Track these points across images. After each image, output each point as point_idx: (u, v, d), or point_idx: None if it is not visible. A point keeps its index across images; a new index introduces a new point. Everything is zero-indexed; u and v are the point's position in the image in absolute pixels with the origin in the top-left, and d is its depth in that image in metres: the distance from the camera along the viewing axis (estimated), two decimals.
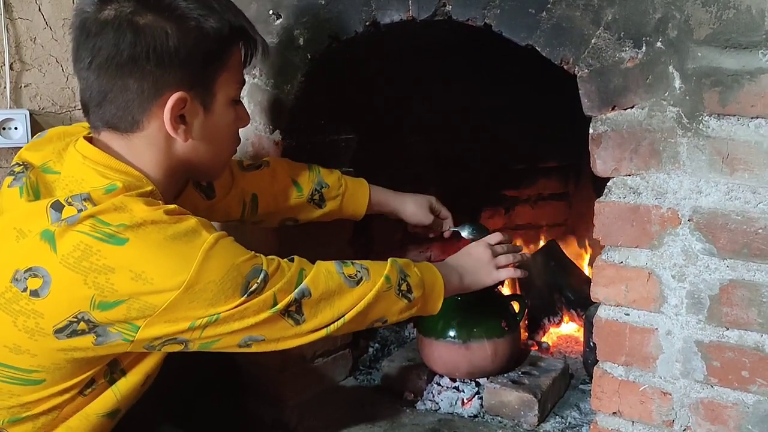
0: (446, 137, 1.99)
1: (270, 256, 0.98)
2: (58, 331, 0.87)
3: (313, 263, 1.03)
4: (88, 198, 0.89)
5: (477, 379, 1.48)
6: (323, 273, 1.00)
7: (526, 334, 1.74)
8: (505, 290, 1.80)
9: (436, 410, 1.45)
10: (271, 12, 1.38)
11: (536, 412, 1.36)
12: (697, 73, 0.93)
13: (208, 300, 0.89)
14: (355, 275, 1.03)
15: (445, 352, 1.46)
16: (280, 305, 0.94)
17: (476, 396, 1.45)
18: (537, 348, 1.71)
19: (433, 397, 1.47)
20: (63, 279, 0.85)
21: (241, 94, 1.08)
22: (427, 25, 1.19)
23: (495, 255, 1.24)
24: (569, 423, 1.39)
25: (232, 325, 0.92)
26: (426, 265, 1.15)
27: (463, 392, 1.46)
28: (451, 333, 1.45)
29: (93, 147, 0.95)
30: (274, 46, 1.38)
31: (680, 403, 1.00)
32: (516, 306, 1.53)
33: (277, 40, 1.38)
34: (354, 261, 1.06)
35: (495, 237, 1.28)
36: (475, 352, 1.44)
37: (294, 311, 0.96)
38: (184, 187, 1.16)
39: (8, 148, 1.48)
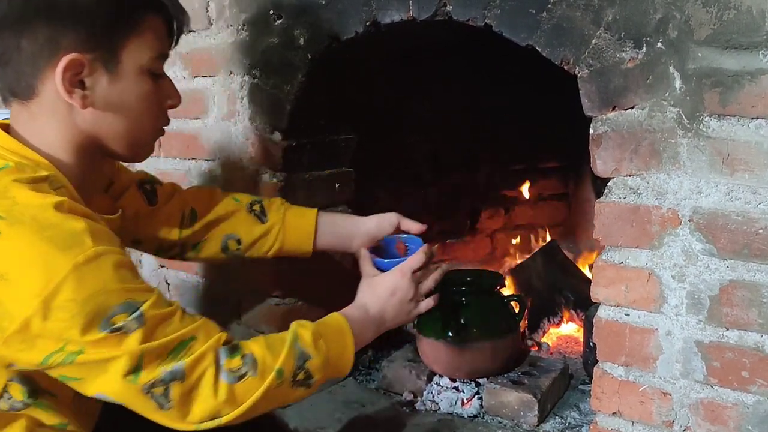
0: (446, 137, 1.99)
1: (172, 302, 0.86)
2: None
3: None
4: None
5: (477, 380, 1.47)
6: (207, 358, 0.84)
7: (526, 334, 1.74)
8: (506, 290, 1.80)
9: (435, 410, 1.45)
10: (271, 12, 1.38)
11: (536, 412, 1.36)
12: (698, 74, 0.93)
13: (63, 322, 0.76)
14: (238, 370, 0.86)
15: (445, 352, 1.46)
16: (143, 373, 0.80)
17: (476, 396, 1.45)
18: (537, 348, 1.71)
19: (433, 397, 1.47)
20: None
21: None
22: (427, 25, 1.19)
23: (418, 284, 1.11)
24: (569, 423, 1.39)
25: (86, 374, 0.80)
26: (337, 328, 0.99)
27: (463, 392, 1.46)
28: (451, 333, 1.45)
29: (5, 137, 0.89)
30: (274, 46, 1.38)
31: (680, 403, 1.00)
32: (516, 306, 1.52)
33: (277, 40, 1.38)
34: (249, 347, 0.89)
35: (418, 259, 1.11)
36: (474, 353, 1.44)
37: (159, 394, 0.81)
38: (116, 178, 1.08)
39: None
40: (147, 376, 0.80)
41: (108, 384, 0.80)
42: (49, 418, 0.89)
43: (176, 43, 1.00)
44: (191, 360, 0.82)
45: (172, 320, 0.83)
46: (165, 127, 1.02)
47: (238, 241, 1.23)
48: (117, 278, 0.80)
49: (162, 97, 0.97)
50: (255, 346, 0.89)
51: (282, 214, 1.24)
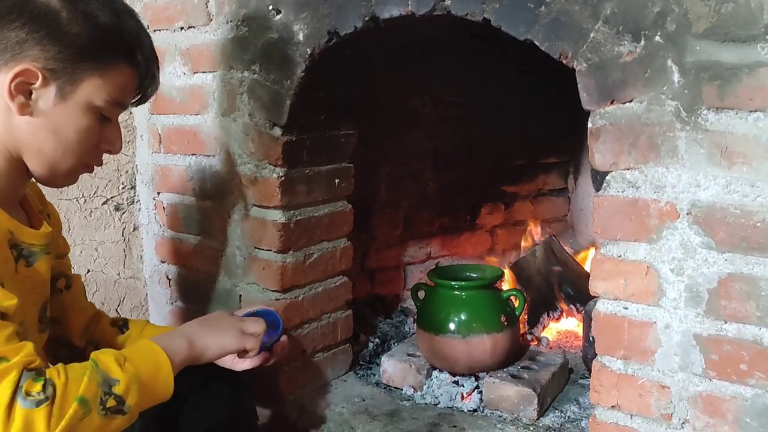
0: (446, 133, 1.99)
1: (10, 324, 0.84)
2: None
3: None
4: None
5: (476, 374, 1.48)
6: (9, 377, 0.79)
7: (526, 329, 1.74)
8: (505, 285, 1.80)
9: (435, 404, 1.45)
10: (270, 7, 1.38)
11: (535, 406, 1.37)
12: (696, 67, 0.93)
13: None
14: (37, 395, 0.79)
15: (445, 346, 1.46)
16: None
17: (476, 390, 1.45)
18: (536, 343, 1.72)
19: (433, 391, 1.48)
20: None
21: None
22: (426, 20, 1.19)
23: (240, 325, 1.11)
24: (568, 417, 1.39)
25: None
26: (145, 347, 0.97)
27: (463, 387, 1.46)
28: (451, 328, 1.45)
29: None
30: (274, 41, 1.38)
31: (679, 396, 1.00)
32: (515, 301, 1.53)
33: (277, 35, 1.38)
34: (52, 374, 0.83)
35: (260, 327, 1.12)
36: (474, 347, 1.44)
37: None
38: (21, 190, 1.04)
39: None
40: None
41: None
42: None
43: (141, 101, 1.03)
44: None
45: None
46: (95, 165, 1.03)
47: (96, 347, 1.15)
48: None
49: (100, 139, 0.99)
50: (57, 376, 0.83)
51: (141, 327, 1.23)
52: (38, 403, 0.79)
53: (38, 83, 0.90)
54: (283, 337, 1.20)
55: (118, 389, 0.87)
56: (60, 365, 0.86)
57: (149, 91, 1.03)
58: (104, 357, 0.89)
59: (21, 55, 0.89)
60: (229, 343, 1.07)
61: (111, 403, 0.86)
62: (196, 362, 1.03)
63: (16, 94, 0.90)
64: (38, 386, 0.80)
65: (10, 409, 0.78)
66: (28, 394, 0.79)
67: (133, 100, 1.03)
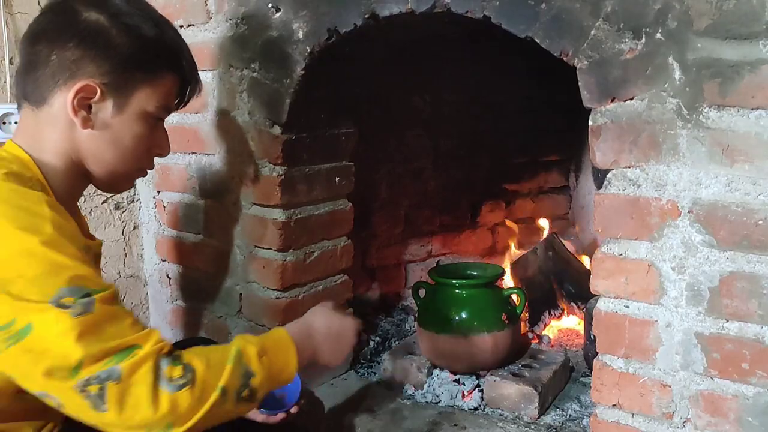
0: (447, 130, 1.99)
1: (129, 310, 0.87)
2: None
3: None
4: None
5: (477, 372, 1.48)
6: (146, 364, 0.81)
7: (527, 327, 1.74)
8: (506, 283, 1.80)
9: (436, 403, 1.45)
10: (270, 5, 1.37)
11: (536, 404, 1.36)
12: (697, 65, 0.93)
13: (12, 296, 0.78)
14: (181, 378, 0.83)
15: (446, 345, 1.46)
16: (81, 370, 0.78)
17: (477, 389, 1.45)
18: (538, 341, 1.71)
19: (434, 389, 1.48)
20: None
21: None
22: (426, 17, 1.18)
23: (358, 335, 1.14)
24: (569, 416, 1.39)
25: (24, 357, 0.79)
26: (281, 338, 1.00)
27: (464, 385, 1.46)
28: (452, 326, 1.45)
29: (10, 143, 0.98)
30: (274, 39, 1.38)
31: (680, 395, 1.00)
32: (516, 299, 1.52)
33: (277, 33, 1.37)
34: (190, 358, 0.86)
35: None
36: (475, 345, 1.44)
37: (94, 393, 0.78)
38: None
39: None
40: (83, 370, 0.78)
41: (41, 380, 0.79)
42: None
43: (184, 105, 1.10)
44: (131, 363, 0.80)
45: (122, 323, 0.83)
46: (148, 170, 1.09)
47: None
48: (71, 265, 0.81)
49: (153, 144, 1.05)
50: (197, 361, 0.86)
51: None
52: (180, 387, 0.83)
53: (97, 97, 0.96)
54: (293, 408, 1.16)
55: (254, 382, 0.91)
56: (198, 348, 0.90)
57: (193, 94, 1.09)
58: (249, 349, 0.93)
59: (78, 73, 0.95)
60: (340, 361, 1.13)
61: (245, 393, 0.90)
62: (306, 368, 1.05)
63: (78, 110, 0.96)
64: (178, 371, 0.83)
65: (156, 394, 0.81)
66: (170, 379, 0.82)
67: (177, 103, 1.08)
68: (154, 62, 1.00)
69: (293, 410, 1.16)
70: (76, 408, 0.80)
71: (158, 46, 1.01)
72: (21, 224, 0.82)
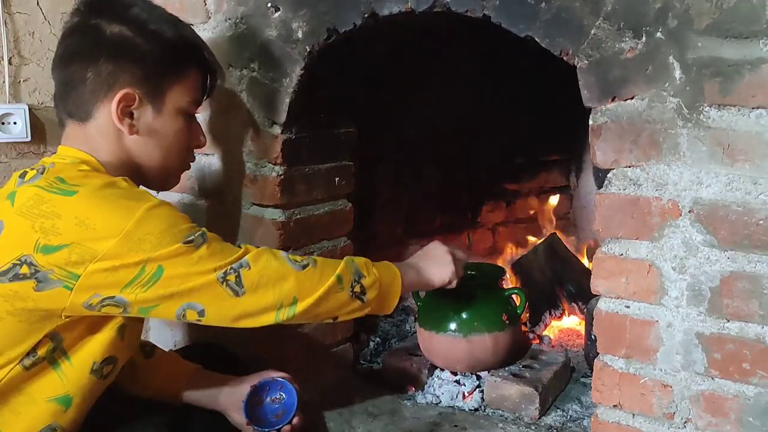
0: (447, 130, 1.98)
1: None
2: (2, 274, 0.92)
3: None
4: (52, 165, 1.01)
5: (478, 373, 1.47)
6: (266, 252, 1.02)
7: (527, 327, 1.74)
8: (506, 283, 1.80)
9: (437, 403, 1.45)
10: (269, 5, 1.37)
11: (537, 405, 1.36)
12: (698, 64, 0.92)
13: (145, 250, 0.92)
14: (302, 261, 1.04)
15: (446, 345, 1.46)
16: (219, 268, 0.96)
17: (477, 389, 1.45)
18: (538, 341, 1.71)
19: (434, 390, 1.47)
20: (13, 225, 0.94)
21: (203, 112, 1.16)
22: (426, 16, 1.18)
23: (452, 253, 1.25)
24: (570, 416, 1.39)
25: (169, 287, 0.94)
26: (385, 264, 1.15)
27: (464, 385, 1.46)
28: (452, 326, 1.45)
29: (64, 146, 1.08)
30: (273, 39, 1.38)
31: (681, 395, 1.00)
32: (517, 299, 1.52)
33: (276, 33, 1.37)
34: (306, 256, 1.07)
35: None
36: (476, 346, 1.44)
37: (233, 281, 0.97)
38: None
39: (7, 142, 1.48)
40: (220, 266, 0.96)
41: (186, 295, 0.95)
42: (52, 388, 0.98)
43: (210, 95, 1.19)
44: (254, 253, 1.01)
45: (223, 241, 1.01)
46: (191, 163, 1.22)
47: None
48: (179, 220, 0.98)
49: (191, 137, 1.16)
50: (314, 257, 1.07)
51: (168, 356, 1.30)
52: (304, 267, 1.03)
53: (136, 103, 1.05)
54: (296, 419, 1.21)
55: (365, 282, 1.08)
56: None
57: (216, 82, 1.19)
58: (357, 259, 1.11)
59: (116, 85, 1.04)
60: (448, 275, 1.22)
61: (357, 288, 1.07)
62: (422, 288, 1.27)
63: (123, 118, 1.05)
64: (299, 257, 1.05)
65: (283, 272, 1.01)
66: (294, 260, 1.03)
67: (204, 95, 1.18)
68: (180, 61, 1.09)
69: (287, 428, 1.19)
70: (218, 301, 0.96)
71: (180, 45, 1.09)
72: (130, 196, 0.98)
